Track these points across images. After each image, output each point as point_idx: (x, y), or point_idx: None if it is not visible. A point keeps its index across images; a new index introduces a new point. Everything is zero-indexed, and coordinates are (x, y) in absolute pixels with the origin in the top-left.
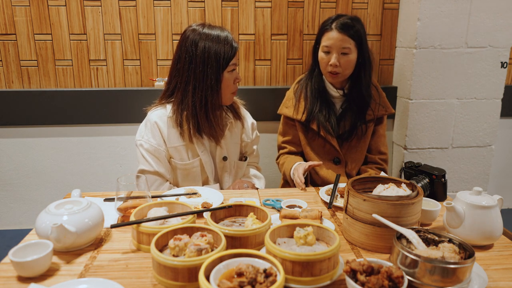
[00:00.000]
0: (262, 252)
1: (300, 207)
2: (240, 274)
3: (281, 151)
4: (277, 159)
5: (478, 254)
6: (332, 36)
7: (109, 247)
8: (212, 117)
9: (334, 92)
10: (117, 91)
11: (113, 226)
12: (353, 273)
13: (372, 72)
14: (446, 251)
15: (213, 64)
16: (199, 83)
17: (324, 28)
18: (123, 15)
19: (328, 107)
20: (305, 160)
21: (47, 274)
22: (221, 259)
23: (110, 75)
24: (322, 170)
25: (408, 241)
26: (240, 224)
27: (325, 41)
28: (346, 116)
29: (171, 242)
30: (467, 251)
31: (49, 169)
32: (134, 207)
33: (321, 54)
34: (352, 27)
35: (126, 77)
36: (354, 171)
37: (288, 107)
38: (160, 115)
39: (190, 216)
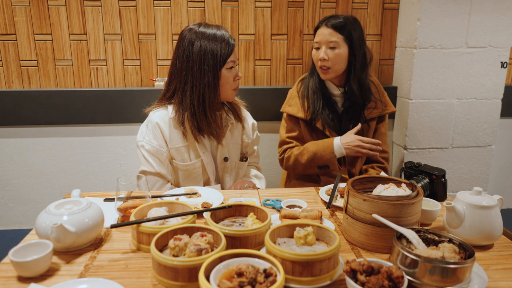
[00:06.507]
0: (262, 252)
1: (300, 207)
2: (240, 274)
3: (286, 146)
4: (280, 155)
5: (478, 254)
6: (321, 32)
7: (109, 247)
8: (211, 116)
9: (335, 90)
10: (117, 91)
11: (113, 226)
12: (353, 273)
13: (369, 70)
14: (446, 251)
15: (210, 62)
16: (197, 81)
17: (316, 27)
18: (123, 15)
19: (330, 106)
20: None
21: (47, 274)
22: (221, 259)
23: (110, 75)
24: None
25: (408, 241)
26: (240, 224)
27: (316, 37)
28: (348, 114)
29: (171, 242)
30: (467, 251)
31: (49, 169)
32: (134, 207)
33: (313, 52)
34: (341, 24)
35: (126, 77)
36: (356, 169)
37: (291, 106)
38: (161, 116)
39: (190, 216)
